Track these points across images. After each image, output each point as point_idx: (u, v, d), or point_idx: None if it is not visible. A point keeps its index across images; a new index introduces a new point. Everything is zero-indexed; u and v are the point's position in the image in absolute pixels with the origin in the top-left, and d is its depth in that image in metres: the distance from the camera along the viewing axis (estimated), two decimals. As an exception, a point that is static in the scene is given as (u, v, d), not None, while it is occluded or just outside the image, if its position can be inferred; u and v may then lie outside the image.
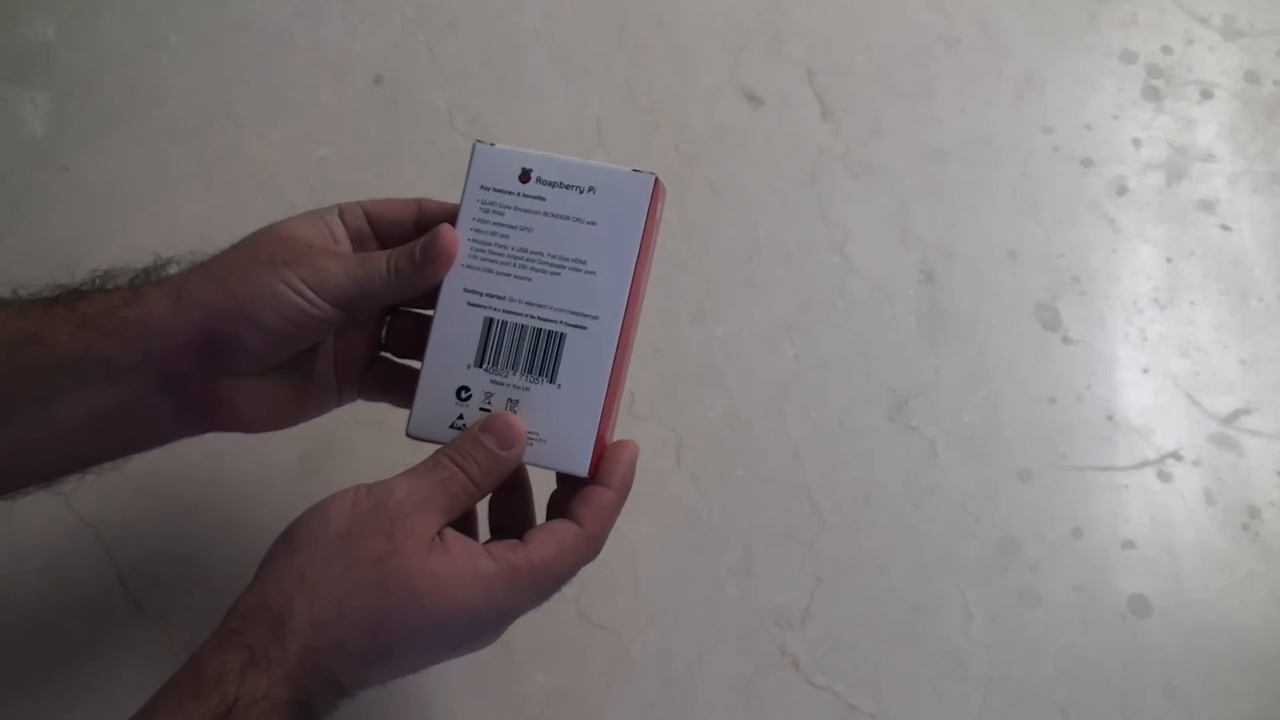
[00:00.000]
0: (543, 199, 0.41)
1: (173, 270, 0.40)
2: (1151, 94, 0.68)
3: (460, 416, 0.40)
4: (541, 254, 0.41)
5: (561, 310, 0.40)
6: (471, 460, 0.38)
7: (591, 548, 0.39)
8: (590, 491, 0.39)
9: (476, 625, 0.37)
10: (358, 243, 0.42)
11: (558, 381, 0.40)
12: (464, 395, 0.40)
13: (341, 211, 0.42)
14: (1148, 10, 0.70)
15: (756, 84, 0.67)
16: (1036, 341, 0.61)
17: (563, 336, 0.40)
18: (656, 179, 0.41)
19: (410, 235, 0.42)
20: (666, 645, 0.54)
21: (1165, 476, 0.58)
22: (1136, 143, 0.67)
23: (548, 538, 0.38)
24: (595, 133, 0.66)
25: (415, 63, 0.67)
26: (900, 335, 0.61)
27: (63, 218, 0.62)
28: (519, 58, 0.68)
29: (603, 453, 0.40)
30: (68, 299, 0.38)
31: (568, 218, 0.41)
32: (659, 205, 0.42)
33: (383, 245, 0.42)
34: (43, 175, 0.63)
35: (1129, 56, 0.69)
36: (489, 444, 0.39)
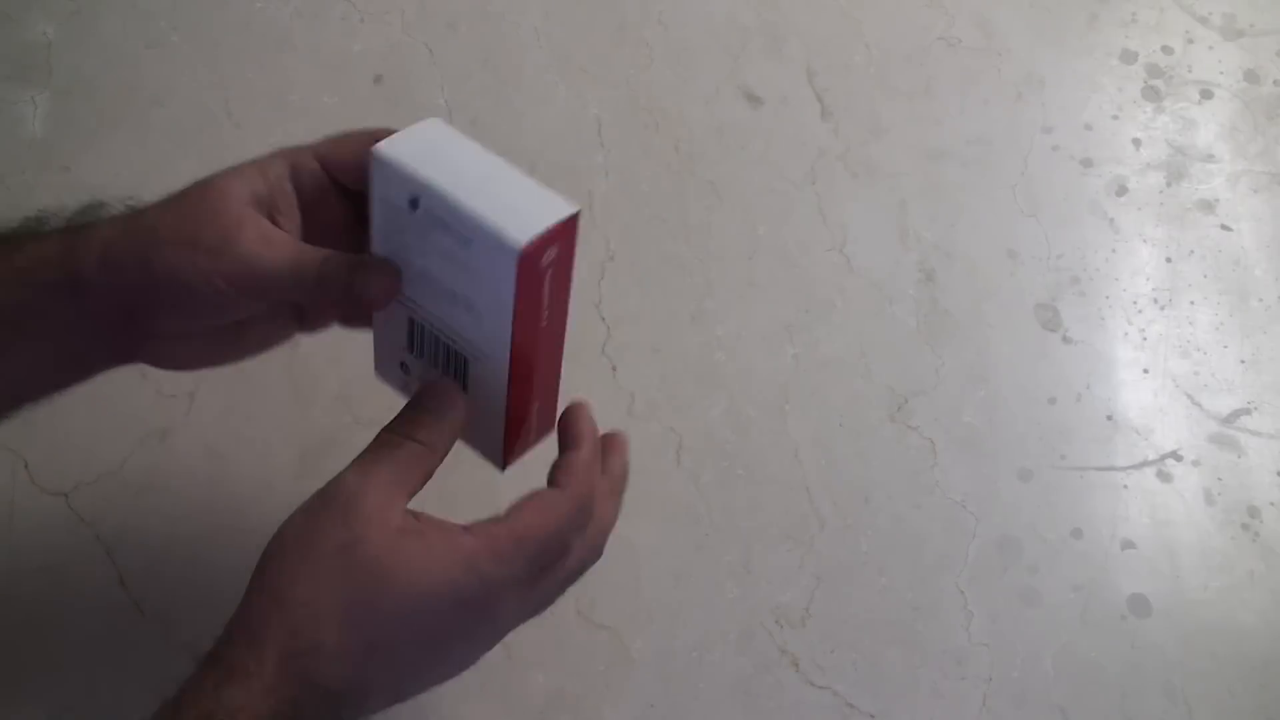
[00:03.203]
0: (432, 230, 0.36)
1: (105, 215, 0.40)
2: (1151, 94, 0.68)
3: (407, 385, 0.42)
4: (439, 280, 0.38)
5: (460, 337, 0.39)
6: (416, 426, 0.38)
7: (576, 506, 0.38)
8: (561, 457, 0.39)
9: (462, 605, 0.35)
10: (315, 203, 0.40)
11: (469, 392, 0.39)
12: (405, 370, 0.41)
13: (294, 169, 0.40)
14: (1148, 10, 0.70)
15: (756, 84, 0.67)
16: (1036, 341, 0.61)
17: (465, 360, 0.39)
18: (525, 249, 0.34)
19: None
20: (666, 645, 0.54)
21: (1165, 476, 0.58)
22: (1136, 143, 0.67)
23: (527, 504, 0.37)
24: (595, 132, 0.66)
25: (415, 63, 0.67)
26: (900, 335, 0.61)
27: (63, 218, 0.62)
28: (519, 58, 0.68)
29: (526, 445, 0.41)
30: (2, 250, 0.38)
31: (453, 259, 0.37)
32: (543, 264, 0.36)
33: (345, 194, 0.40)
34: (43, 175, 0.63)
35: (1129, 56, 0.69)
36: (430, 408, 0.38)
